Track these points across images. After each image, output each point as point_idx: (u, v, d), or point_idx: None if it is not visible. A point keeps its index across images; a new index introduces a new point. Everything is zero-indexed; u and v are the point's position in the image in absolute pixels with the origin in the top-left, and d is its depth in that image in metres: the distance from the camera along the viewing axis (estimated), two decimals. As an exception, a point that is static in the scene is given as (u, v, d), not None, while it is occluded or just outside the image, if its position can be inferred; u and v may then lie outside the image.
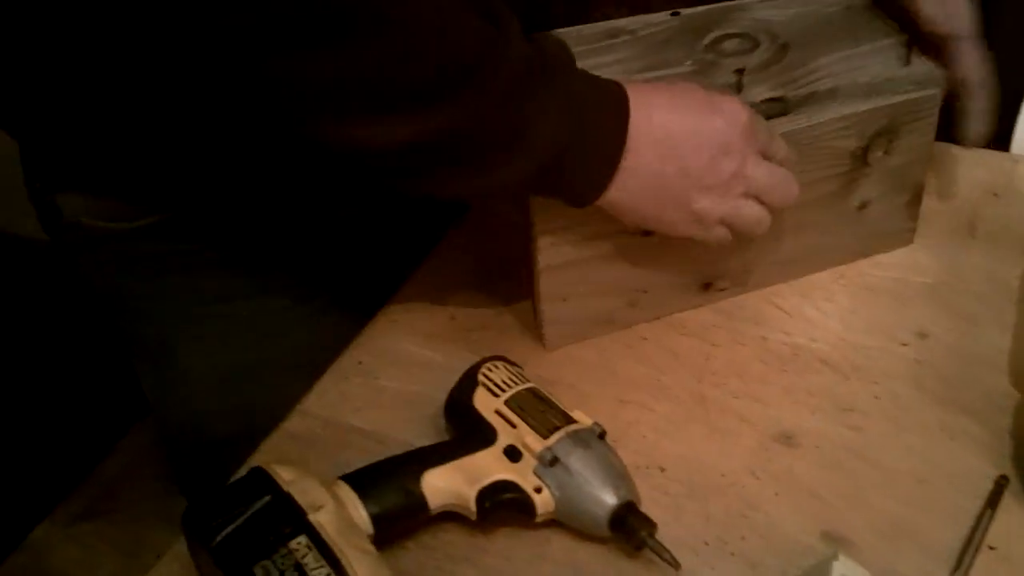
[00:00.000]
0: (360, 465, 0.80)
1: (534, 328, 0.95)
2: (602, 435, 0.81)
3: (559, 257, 0.87)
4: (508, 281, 0.99)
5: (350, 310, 1.03)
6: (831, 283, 0.99)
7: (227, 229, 0.97)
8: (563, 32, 0.94)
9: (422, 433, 0.88)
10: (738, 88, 0.88)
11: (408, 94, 0.70)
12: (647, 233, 0.87)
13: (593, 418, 0.81)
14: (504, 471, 0.78)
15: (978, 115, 0.95)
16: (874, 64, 0.93)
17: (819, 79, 0.91)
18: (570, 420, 0.81)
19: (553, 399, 0.83)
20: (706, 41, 0.95)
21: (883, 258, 1.00)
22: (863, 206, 0.97)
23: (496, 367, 0.85)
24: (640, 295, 0.93)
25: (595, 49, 0.93)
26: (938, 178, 1.08)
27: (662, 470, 0.84)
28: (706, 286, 0.96)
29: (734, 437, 0.86)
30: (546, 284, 0.89)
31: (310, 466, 0.79)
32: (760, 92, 0.89)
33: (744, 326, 0.95)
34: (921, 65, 0.93)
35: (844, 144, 0.91)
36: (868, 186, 0.95)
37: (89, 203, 0.95)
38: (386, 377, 0.95)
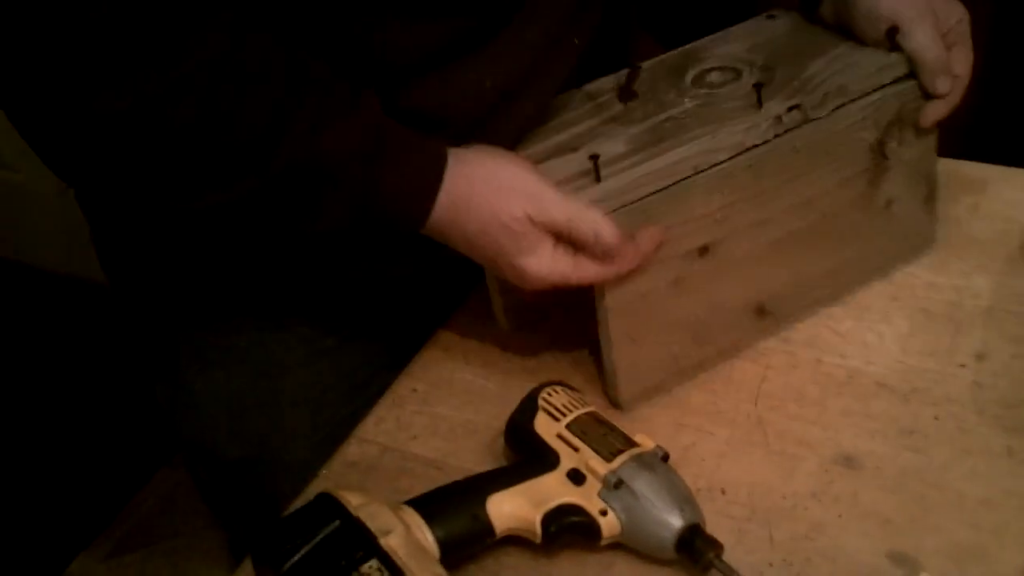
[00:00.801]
0: (421, 491, 0.81)
1: (602, 386, 0.94)
2: (665, 458, 0.81)
3: (625, 294, 0.86)
4: (561, 306, 0.99)
5: (361, 351, 1.05)
6: (885, 306, 0.98)
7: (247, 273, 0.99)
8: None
9: (481, 460, 0.89)
10: (759, 103, 0.88)
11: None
12: (703, 251, 0.88)
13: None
14: (569, 494, 0.78)
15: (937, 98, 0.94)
16: (863, 58, 0.93)
17: (823, 82, 0.91)
18: (632, 443, 0.81)
19: (613, 423, 0.83)
20: (689, 80, 0.95)
21: (938, 280, 1.00)
22: (888, 204, 0.98)
23: (556, 392, 0.86)
24: (703, 329, 0.92)
25: (587, 111, 0.94)
26: (988, 201, 1.08)
27: (723, 492, 0.84)
28: (760, 311, 0.95)
29: (794, 460, 0.86)
30: (615, 325, 0.87)
31: (370, 493, 0.79)
32: (776, 105, 0.89)
33: (799, 349, 0.95)
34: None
35: (865, 136, 0.92)
36: (890, 182, 0.97)
37: None
38: (442, 405, 0.95)
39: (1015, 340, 0.94)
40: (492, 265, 0.85)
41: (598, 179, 0.83)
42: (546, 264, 0.82)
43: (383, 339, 1.04)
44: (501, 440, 0.89)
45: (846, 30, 0.96)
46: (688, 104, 0.91)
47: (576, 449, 0.81)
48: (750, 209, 0.89)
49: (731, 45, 0.99)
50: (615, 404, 0.89)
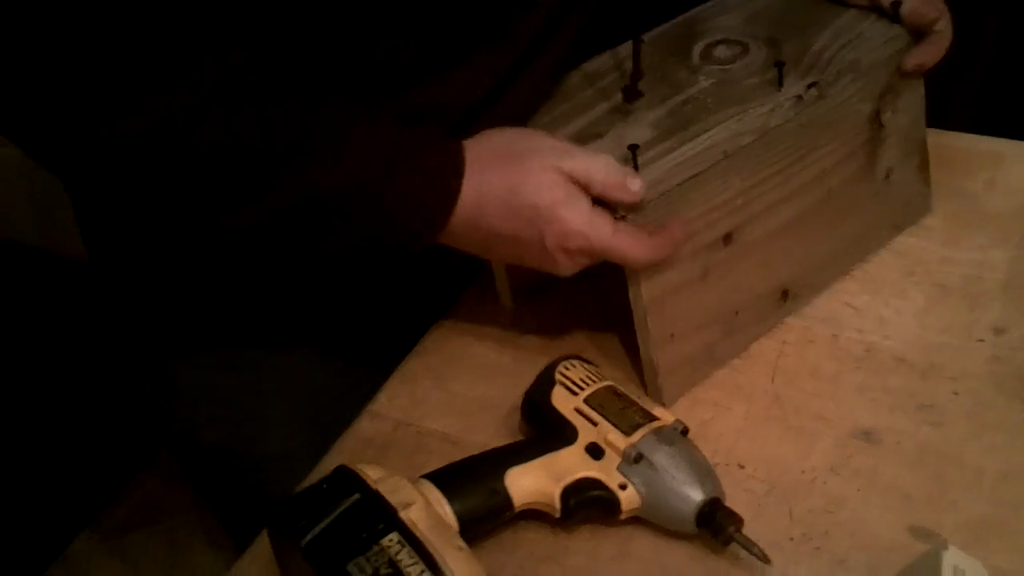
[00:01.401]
0: (436, 467, 0.80)
1: (644, 386, 0.90)
2: (685, 432, 0.80)
3: (659, 290, 0.85)
4: (574, 281, 0.98)
5: (351, 348, 1.04)
6: (901, 280, 0.98)
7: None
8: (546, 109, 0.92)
9: (496, 435, 0.88)
10: (780, 83, 0.87)
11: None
12: (727, 240, 0.87)
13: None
14: (588, 468, 0.78)
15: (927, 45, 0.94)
16: (868, 29, 0.93)
17: (833, 57, 0.90)
18: (652, 417, 0.80)
19: (632, 396, 0.82)
20: (696, 55, 0.94)
21: (953, 255, 0.99)
22: (888, 174, 0.98)
23: (573, 365, 0.85)
24: (733, 318, 0.91)
25: (595, 94, 0.91)
26: (1004, 176, 1.07)
27: (741, 467, 0.83)
28: (784, 294, 0.95)
29: (812, 435, 0.85)
30: (654, 322, 0.85)
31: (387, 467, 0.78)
32: (794, 83, 0.88)
33: (815, 325, 0.95)
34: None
35: (862, 108, 0.93)
36: (888, 152, 0.97)
37: None
38: (456, 380, 0.94)
39: (1033, 314, 0.93)
40: (521, 249, 0.83)
41: (636, 168, 0.81)
42: (586, 217, 0.80)
43: (374, 339, 1.03)
44: (517, 415, 0.88)
45: None
46: (704, 83, 0.90)
47: (594, 423, 0.80)
48: (767, 191, 0.89)
49: (729, 16, 0.98)
50: (659, 402, 0.88)
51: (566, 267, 0.82)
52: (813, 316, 0.95)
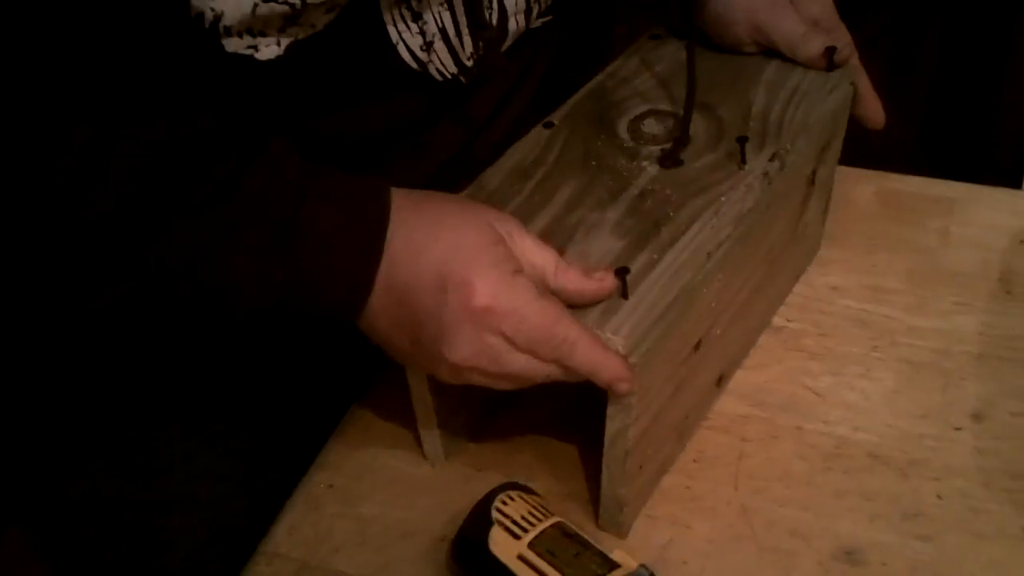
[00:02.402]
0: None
1: (596, 514, 0.77)
2: (650, 579, 0.68)
3: (645, 420, 0.70)
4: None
5: (257, 434, 0.89)
6: (866, 356, 0.87)
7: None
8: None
9: (422, 573, 0.75)
10: (743, 160, 0.76)
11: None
12: (697, 347, 0.75)
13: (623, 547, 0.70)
14: (542, 638, 0.65)
15: (868, 93, 0.87)
16: (805, 83, 0.85)
17: (781, 120, 0.81)
18: (611, 564, 0.67)
19: (584, 535, 0.70)
20: (623, 133, 0.81)
21: (918, 323, 0.89)
22: (805, 227, 0.90)
23: (512, 499, 0.72)
24: (684, 422, 0.80)
25: (532, 189, 0.76)
26: (957, 226, 0.97)
27: (713, 606, 0.72)
28: (719, 380, 0.84)
29: (789, 557, 0.74)
30: (633, 461, 0.71)
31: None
32: (755, 157, 0.77)
33: (776, 415, 0.83)
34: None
35: (807, 169, 0.84)
36: (811, 207, 0.89)
37: None
38: (366, 502, 0.81)
39: (1012, 393, 0.83)
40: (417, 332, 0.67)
41: (625, 296, 0.67)
42: (533, 297, 0.64)
43: (286, 418, 0.89)
44: (443, 545, 0.76)
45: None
46: (651, 169, 0.77)
47: (544, 575, 0.67)
48: (735, 282, 0.77)
49: (637, 80, 0.87)
50: (616, 533, 0.76)
51: (468, 356, 0.65)
52: (772, 404, 0.84)
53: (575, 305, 0.66)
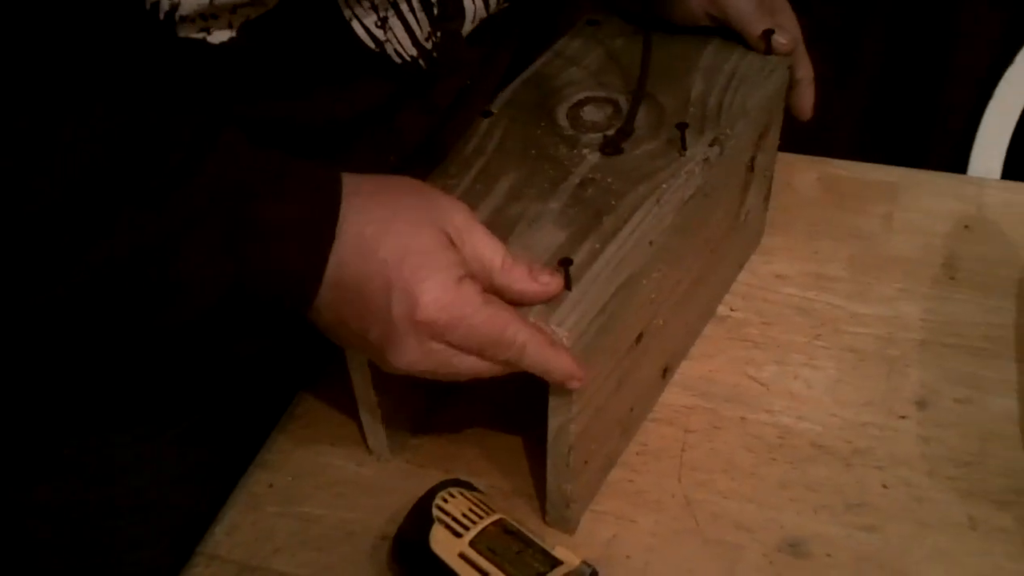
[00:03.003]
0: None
1: (542, 514, 0.76)
2: (593, 575, 0.67)
3: (587, 416, 0.69)
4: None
5: (206, 438, 0.87)
6: (807, 345, 0.87)
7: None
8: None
9: (363, 573, 0.73)
10: (683, 146, 0.75)
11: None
12: (639, 339, 0.74)
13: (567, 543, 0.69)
14: (483, 638, 0.64)
15: (805, 81, 0.87)
16: (742, 67, 0.84)
17: (720, 104, 0.80)
18: (554, 561, 0.67)
19: (526, 531, 0.69)
20: (563, 121, 0.79)
21: (861, 311, 0.89)
22: (747, 215, 0.89)
23: (452, 495, 0.71)
24: (628, 415, 0.79)
25: (473, 179, 0.75)
26: (901, 211, 0.97)
27: (658, 601, 0.71)
28: (664, 372, 0.83)
29: (734, 550, 0.74)
30: (576, 456, 0.70)
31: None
32: (696, 143, 0.76)
33: (720, 406, 0.83)
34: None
35: (744, 157, 0.83)
36: (752, 194, 0.88)
37: None
38: (308, 502, 0.79)
39: (956, 380, 0.83)
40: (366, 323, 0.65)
41: (569, 287, 0.65)
42: (477, 294, 0.63)
43: (231, 419, 0.87)
44: (385, 545, 0.74)
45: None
46: (591, 158, 0.76)
47: (486, 574, 0.66)
48: (676, 273, 0.76)
49: (575, 68, 0.85)
50: (563, 529, 0.75)
51: (414, 361, 0.64)
52: (716, 395, 0.84)
53: (518, 304, 0.65)
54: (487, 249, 0.64)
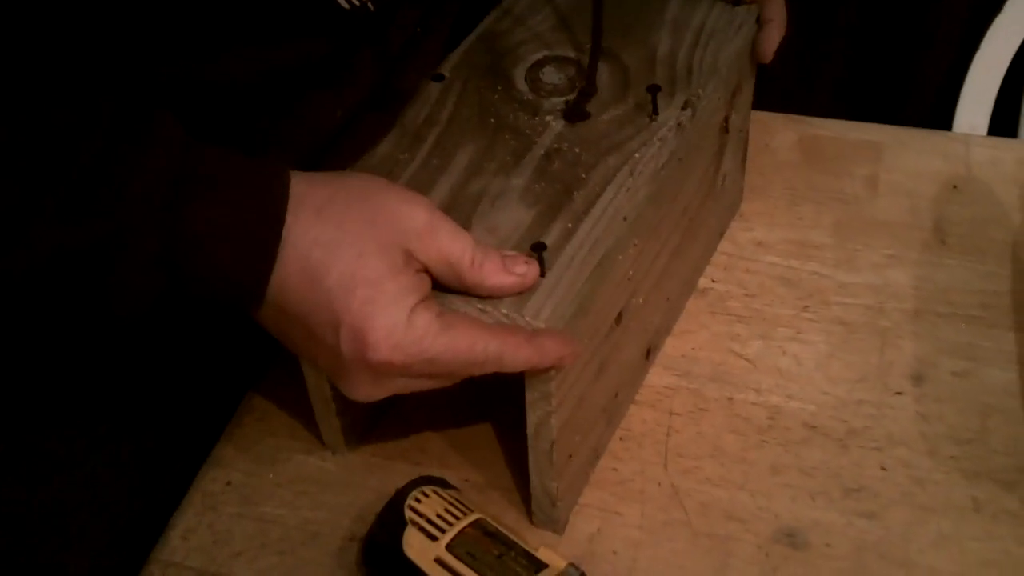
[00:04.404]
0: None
1: (529, 511, 0.71)
2: (581, 579, 0.62)
3: (568, 407, 0.64)
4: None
5: (150, 437, 0.81)
6: (794, 318, 0.82)
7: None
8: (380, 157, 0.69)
9: (331, 580, 0.68)
10: (655, 111, 0.70)
11: None
12: (618, 320, 0.68)
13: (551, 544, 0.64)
14: (464, 652, 0.59)
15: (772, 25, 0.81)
16: (711, 21, 0.78)
17: (690, 63, 0.74)
18: (539, 564, 0.62)
19: (505, 531, 0.64)
20: (521, 84, 0.74)
21: (848, 280, 0.84)
22: (724, 180, 0.84)
23: (427, 495, 0.66)
24: (613, 402, 0.73)
25: (428, 154, 0.69)
26: (886, 172, 0.92)
27: (648, 600, 0.66)
28: (648, 353, 0.78)
29: (726, 543, 0.69)
30: (560, 450, 0.64)
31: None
32: (667, 106, 0.71)
33: (704, 386, 0.78)
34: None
35: (718, 118, 0.78)
36: (727, 158, 0.83)
37: None
38: (268, 502, 0.74)
39: (952, 351, 0.79)
40: (314, 348, 0.61)
41: (543, 273, 0.60)
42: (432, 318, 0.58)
43: (177, 410, 0.81)
44: (351, 547, 0.70)
45: None
46: (555, 125, 0.70)
47: (465, 580, 0.61)
48: (652, 247, 0.71)
49: (528, 25, 0.79)
50: (550, 529, 0.70)
51: (371, 393, 0.61)
52: (700, 375, 0.79)
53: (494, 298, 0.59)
54: (454, 247, 0.59)
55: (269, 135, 0.66)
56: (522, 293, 0.59)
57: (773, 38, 0.80)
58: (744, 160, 0.89)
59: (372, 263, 0.57)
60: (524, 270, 0.59)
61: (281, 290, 0.57)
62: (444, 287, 0.60)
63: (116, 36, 0.58)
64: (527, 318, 0.58)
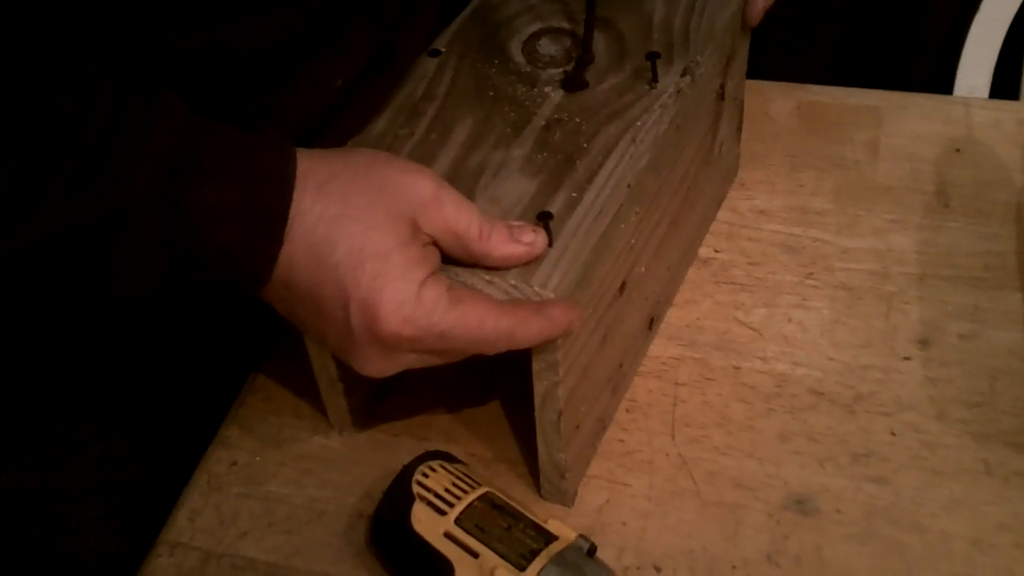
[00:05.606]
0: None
1: (537, 484, 0.70)
2: (592, 551, 0.61)
3: (574, 377, 0.63)
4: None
5: (159, 413, 0.81)
6: (798, 284, 0.82)
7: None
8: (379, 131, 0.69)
9: (338, 558, 0.68)
10: (654, 78, 0.69)
11: None
12: (621, 289, 0.68)
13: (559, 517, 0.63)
14: (476, 625, 0.59)
15: None
16: None
17: (686, 29, 0.74)
18: (548, 536, 0.61)
19: (514, 504, 0.64)
20: (518, 56, 0.73)
21: (851, 245, 0.84)
22: (720, 147, 0.83)
23: (434, 470, 0.65)
24: (617, 372, 0.73)
25: (427, 127, 0.68)
26: (888, 137, 0.92)
27: (658, 571, 0.66)
28: (651, 323, 0.77)
29: (735, 511, 0.69)
30: (567, 421, 0.64)
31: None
32: (666, 73, 0.70)
33: (710, 355, 0.77)
34: None
35: (714, 84, 0.77)
36: (724, 125, 0.82)
37: None
38: (273, 481, 0.73)
39: (958, 314, 0.78)
40: (323, 325, 0.60)
41: (550, 243, 0.60)
42: (443, 290, 0.58)
43: (182, 392, 0.80)
44: (359, 524, 0.69)
45: None
46: (554, 96, 0.69)
47: (474, 554, 0.61)
48: (655, 216, 0.70)
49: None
50: (559, 501, 0.70)
51: (383, 368, 0.60)
52: (704, 343, 0.78)
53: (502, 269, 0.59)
54: (461, 219, 0.58)
55: (268, 108, 0.66)
56: (530, 263, 0.58)
57: (760, 6, 0.79)
58: (740, 128, 0.88)
59: (379, 237, 0.56)
60: (532, 239, 0.58)
61: (288, 268, 0.57)
62: (450, 259, 0.59)
63: (109, 10, 0.58)
64: (536, 288, 0.57)
